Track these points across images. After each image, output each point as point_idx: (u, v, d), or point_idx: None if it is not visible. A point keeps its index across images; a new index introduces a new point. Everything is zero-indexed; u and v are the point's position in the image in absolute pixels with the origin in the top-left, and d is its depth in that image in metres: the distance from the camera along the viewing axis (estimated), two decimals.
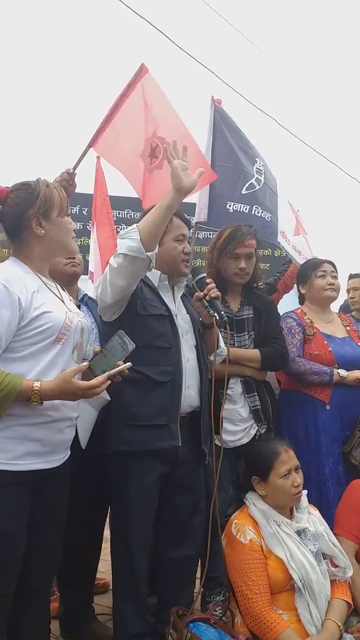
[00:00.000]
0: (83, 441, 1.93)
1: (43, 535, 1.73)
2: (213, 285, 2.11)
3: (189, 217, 2.36)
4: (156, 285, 2.19)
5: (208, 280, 2.12)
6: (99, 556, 2.51)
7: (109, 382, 1.65)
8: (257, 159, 3.58)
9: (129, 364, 1.66)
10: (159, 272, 2.20)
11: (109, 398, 1.97)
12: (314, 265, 2.89)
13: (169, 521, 2.16)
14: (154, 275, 2.20)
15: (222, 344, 2.29)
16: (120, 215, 5.31)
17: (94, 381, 1.60)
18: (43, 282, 1.74)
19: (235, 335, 2.55)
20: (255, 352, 2.52)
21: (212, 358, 2.21)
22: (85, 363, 1.66)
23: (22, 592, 1.70)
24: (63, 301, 1.77)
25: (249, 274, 2.61)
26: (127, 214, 5.57)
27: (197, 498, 2.17)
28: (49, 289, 1.75)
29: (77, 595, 2.38)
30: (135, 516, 2.04)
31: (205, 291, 2.09)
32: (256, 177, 3.54)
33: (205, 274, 2.17)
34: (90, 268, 3.40)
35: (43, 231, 1.71)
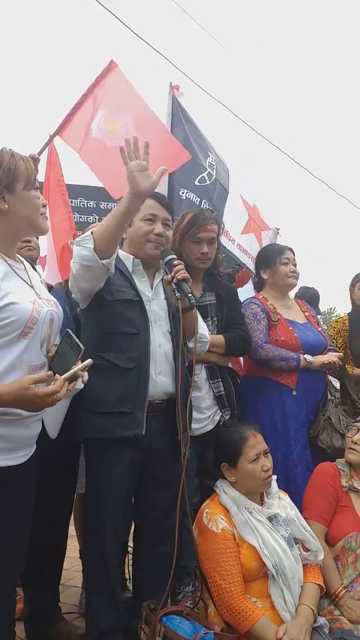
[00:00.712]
0: (53, 432, 1.84)
1: (8, 533, 1.63)
2: (181, 266, 2.01)
3: None
4: (130, 270, 2.12)
5: (176, 261, 2.03)
6: (64, 555, 2.43)
7: (70, 384, 1.53)
8: (209, 153, 3.60)
9: (88, 361, 1.55)
10: (132, 256, 2.14)
11: (81, 386, 1.88)
12: (278, 251, 2.88)
13: (147, 517, 2.11)
14: (128, 260, 2.14)
15: (202, 330, 2.19)
16: (73, 204, 5.15)
17: (52, 387, 1.45)
18: (9, 265, 1.59)
19: None
20: (219, 338, 2.49)
21: (190, 345, 2.14)
22: (49, 372, 1.52)
23: None
24: (32, 286, 1.65)
25: (211, 259, 2.57)
26: (80, 202, 5.41)
27: (175, 494, 2.10)
28: (16, 273, 1.61)
29: (43, 596, 2.30)
30: (106, 505, 1.98)
31: (172, 273, 2.00)
32: (208, 172, 3.57)
33: (174, 256, 2.08)
34: (41, 253, 3.29)
35: (7, 206, 1.55)
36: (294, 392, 2.61)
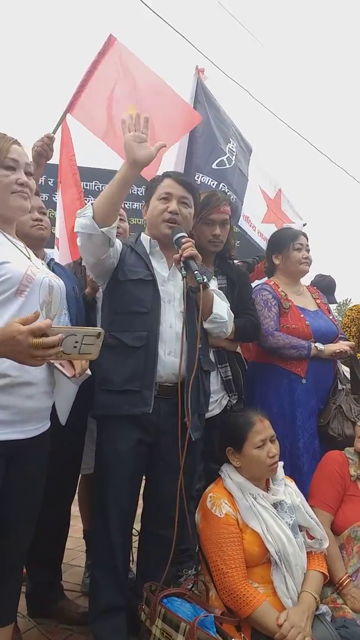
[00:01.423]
0: (62, 417, 1.82)
1: (18, 510, 1.64)
2: (189, 243, 1.97)
3: None
4: (148, 251, 2.12)
5: (184, 239, 1.99)
6: (67, 534, 2.44)
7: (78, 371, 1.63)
8: (231, 139, 3.54)
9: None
10: (149, 237, 2.14)
11: (89, 373, 1.87)
12: (291, 236, 2.80)
13: (154, 500, 2.11)
14: (146, 242, 2.15)
15: (219, 310, 2.13)
16: (88, 187, 5.12)
17: (47, 339, 1.32)
18: (5, 236, 1.61)
19: None
20: None
21: (205, 325, 2.11)
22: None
23: None
24: (29, 258, 1.64)
25: (223, 242, 2.52)
26: (94, 185, 5.39)
27: (186, 479, 2.05)
28: (13, 243, 1.62)
29: (45, 574, 2.32)
30: (111, 480, 1.99)
31: (180, 251, 1.96)
32: (227, 156, 3.49)
33: (183, 233, 2.03)
34: (56, 234, 3.27)
35: None
36: (304, 381, 2.56)
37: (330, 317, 2.79)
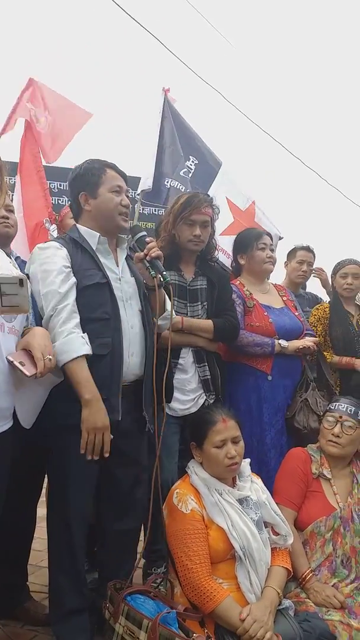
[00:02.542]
0: (28, 420, 1.78)
1: None
2: (154, 244, 1.99)
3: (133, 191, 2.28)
4: (94, 248, 2.05)
5: (148, 239, 2.01)
6: (33, 535, 2.41)
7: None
8: (190, 157, 3.68)
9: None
10: (98, 234, 2.06)
11: (61, 378, 1.85)
12: (255, 236, 2.85)
13: (110, 494, 2.09)
14: (93, 238, 2.05)
15: (169, 307, 2.16)
16: (62, 187, 5.10)
17: None
18: None
19: (188, 304, 2.50)
20: (208, 323, 2.48)
21: (158, 322, 2.12)
22: None
23: None
24: None
25: (204, 242, 2.54)
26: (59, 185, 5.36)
27: (138, 469, 2.09)
28: None
29: (11, 575, 2.29)
30: (75, 490, 1.96)
31: (145, 251, 1.97)
32: (186, 170, 3.63)
33: (145, 233, 2.05)
34: None
35: None
36: (269, 377, 2.60)
37: (297, 313, 2.83)
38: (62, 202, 4.60)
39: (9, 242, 2.29)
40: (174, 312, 2.18)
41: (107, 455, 1.82)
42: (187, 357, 2.44)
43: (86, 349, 1.84)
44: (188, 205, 2.46)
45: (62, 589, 1.99)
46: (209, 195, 2.69)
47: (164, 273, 1.95)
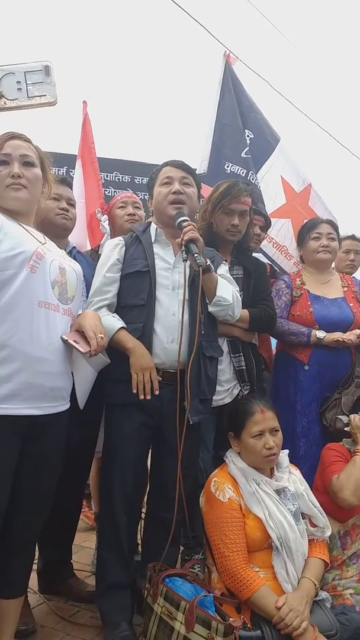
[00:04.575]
0: (81, 400, 1.88)
1: (32, 489, 1.70)
2: (190, 227, 1.99)
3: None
4: (153, 240, 2.17)
5: (185, 223, 2.01)
6: (79, 516, 2.52)
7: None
8: (246, 130, 3.50)
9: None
10: (156, 226, 2.20)
11: (108, 360, 1.96)
12: (309, 227, 2.84)
13: (157, 482, 2.18)
14: (152, 231, 2.20)
15: (223, 293, 2.13)
16: (109, 178, 5.18)
17: None
18: (21, 225, 1.72)
19: None
20: (244, 312, 2.44)
21: (209, 308, 2.14)
22: None
23: (8, 545, 1.70)
24: (44, 244, 1.73)
25: (241, 232, 2.53)
26: (115, 176, 5.45)
27: (185, 462, 2.10)
28: (27, 230, 1.72)
29: (56, 553, 2.40)
30: (116, 462, 2.06)
31: (181, 235, 1.98)
32: (248, 147, 3.46)
33: (185, 217, 2.06)
34: None
35: None
36: (306, 367, 2.61)
37: (352, 305, 2.76)
38: (109, 193, 4.69)
39: (66, 235, 2.35)
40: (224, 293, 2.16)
41: (156, 392, 1.97)
42: (222, 347, 2.43)
43: (121, 323, 2.04)
44: (227, 194, 2.45)
45: (105, 563, 2.09)
46: (249, 184, 2.67)
47: (196, 255, 1.93)
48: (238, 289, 2.32)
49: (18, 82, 1.21)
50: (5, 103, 1.20)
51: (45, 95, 1.25)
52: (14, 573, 1.77)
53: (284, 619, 1.76)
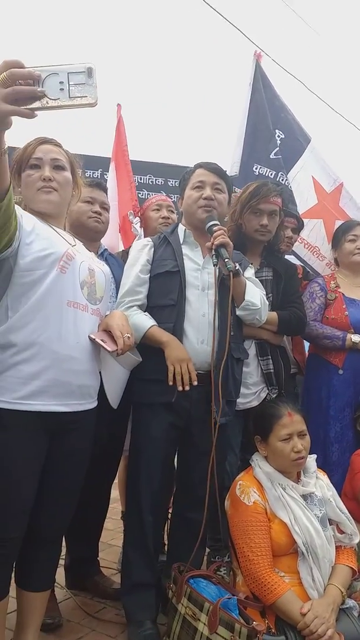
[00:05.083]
0: (112, 400, 1.91)
1: (59, 485, 1.74)
2: (221, 231, 2.00)
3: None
4: (181, 241, 2.19)
5: (216, 227, 2.02)
6: (106, 513, 2.54)
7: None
8: (277, 130, 3.48)
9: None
10: (184, 228, 2.22)
11: (140, 359, 1.99)
12: (345, 229, 2.83)
13: (183, 483, 2.18)
14: (181, 232, 2.22)
15: (251, 297, 2.14)
16: (142, 181, 5.23)
17: (17, 70, 1.18)
18: (52, 227, 1.75)
19: None
20: (272, 315, 2.44)
21: (238, 312, 2.15)
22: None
23: (35, 539, 1.73)
24: (73, 245, 1.77)
25: (271, 232, 2.50)
26: (148, 179, 5.49)
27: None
28: (57, 232, 1.76)
29: (83, 549, 2.43)
30: (143, 462, 2.08)
31: (212, 239, 1.99)
32: (278, 147, 3.44)
33: (216, 222, 2.07)
34: None
35: (19, 189, 1.74)
36: (340, 372, 2.57)
37: None
38: (142, 195, 4.73)
39: (98, 238, 2.37)
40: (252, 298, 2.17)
41: (195, 383, 1.96)
42: (249, 350, 2.42)
43: (153, 321, 2.06)
44: (256, 194, 2.44)
45: (131, 562, 2.10)
46: (278, 185, 2.65)
47: (227, 260, 1.94)
48: (264, 292, 2.31)
49: (61, 82, 1.20)
50: (47, 102, 1.23)
51: (86, 97, 1.23)
52: (40, 567, 1.81)
53: (309, 625, 1.74)
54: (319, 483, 2.06)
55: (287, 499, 1.95)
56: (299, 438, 1.99)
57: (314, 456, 2.11)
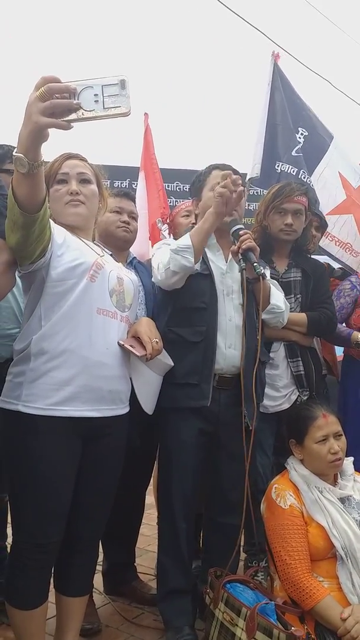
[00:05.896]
0: (145, 405, 1.92)
1: (93, 491, 1.75)
2: (247, 236, 1.98)
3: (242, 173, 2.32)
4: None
5: (242, 231, 2.00)
6: (141, 518, 2.55)
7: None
8: (299, 129, 3.46)
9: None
10: None
11: (172, 363, 2.00)
12: None
13: (215, 487, 2.16)
14: None
15: (276, 301, 2.14)
16: (170, 188, 5.26)
17: (54, 84, 1.24)
18: (81, 239, 1.78)
19: None
20: (302, 316, 2.41)
21: (263, 316, 2.12)
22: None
23: (71, 544, 1.75)
24: (102, 256, 1.80)
25: (297, 232, 2.46)
26: (176, 186, 5.53)
27: (241, 466, 2.11)
28: (86, 244, 1.79)
29: (120, 555, 2.45)
30: (174, 468, 2.07)
31: (238, 243, 1.97)
32: (302, 145, 3.42)
33: (241, 226, 2.04)
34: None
35: (48, 204, 1.73)
36: None
37: None
38: (171, 203, 4.77)
39: (126, 247, 2.39)
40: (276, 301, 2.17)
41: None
42: (278, 352, 2.40)
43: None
44: (280, 194, 2.42)
45: (166, 569, 2.10)
46: (303, 185, 2.61)
47: (255, 264, 1.92)
48: (283, 293, 2.29)
49: (95, 94, 1.27)
50: (83, 114, 1.29)
51: (119, 107, 1.29)
52: (77, 571, 1.83)
53: (350, 630, 1.70)
54: (357, 486, 2.02)
55: (324, 502, 1.92)
56: (335, 439, 1.96)
57: (351, 459, 2.06)
